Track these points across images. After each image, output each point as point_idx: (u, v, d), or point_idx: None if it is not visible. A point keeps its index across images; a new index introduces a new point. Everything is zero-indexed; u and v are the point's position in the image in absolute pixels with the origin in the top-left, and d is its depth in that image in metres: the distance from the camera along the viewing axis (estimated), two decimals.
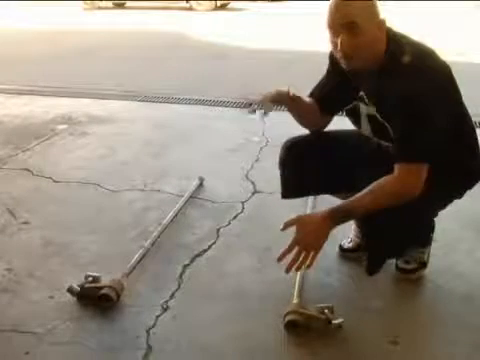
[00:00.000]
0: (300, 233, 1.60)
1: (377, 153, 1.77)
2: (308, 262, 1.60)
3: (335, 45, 1.58)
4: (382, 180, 1.60)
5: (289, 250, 1.60)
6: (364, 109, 1.72)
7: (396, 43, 1.59)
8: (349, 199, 1.63)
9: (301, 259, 1.59)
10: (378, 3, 1.57)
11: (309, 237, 1.61)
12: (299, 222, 1.63)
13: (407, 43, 1.60)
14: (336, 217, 1.62)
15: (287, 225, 1.63)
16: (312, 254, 1.59)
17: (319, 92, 1.87)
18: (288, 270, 1.61)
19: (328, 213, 1.62)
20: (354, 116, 1.80)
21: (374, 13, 1.56)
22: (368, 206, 1.59)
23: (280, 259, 1.61)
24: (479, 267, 2.06)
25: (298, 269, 1.62)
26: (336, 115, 1.92)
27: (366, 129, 1.77)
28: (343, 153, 1.84)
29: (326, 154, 1.84)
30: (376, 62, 1.59)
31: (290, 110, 1.86)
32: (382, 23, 1.57)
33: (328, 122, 1.93)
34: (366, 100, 1.69)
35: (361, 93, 1.70)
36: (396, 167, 1.59)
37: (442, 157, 1.59)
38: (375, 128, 1.72)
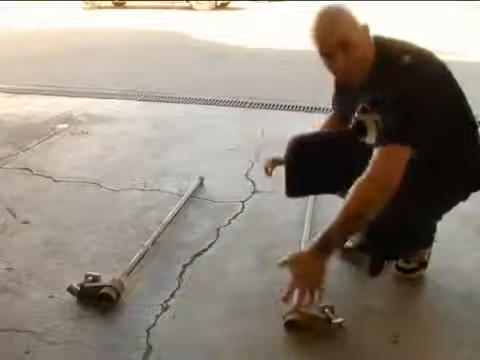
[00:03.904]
0: (294, 275, 1.55)
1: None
2: (314, 300, 1.55)
3: (333, 68, 1.62)
4: (358, 179, 1.53)
5: (289, 291, 1.55)
6: (370, 118, 1.71)
7: (383, 46, 1.62)
8: (332, 221, 1.54)
9: (306, 299, 1.54)
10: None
11: (304, 278, 1.54)
12: (290, 264, 1.56)
13: (397, 44, 1.63)
14: (325, 247, 1.54)
15: (283, 265, 1.58)
16: (316, 291, 1.54)
17: (335, 105, 2.00)
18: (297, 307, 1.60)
19: (314, 248, 1.54)
20: (359, 130, 1.79)
21: (356, 22, 1.59)
22: (356, 213, 1.50)
23: (285, 300, 1.55)
24: (478, 267, 2.06)
25: (308, 303, 1.56)
26: None
27: (371, 140, 1.75)
28: (347, 152, 1.84)
29: (330, 153, 1.84)
30: (370, 69, 1.61)
31: None
32: (365, 29, 1.61)
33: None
34: (369, 109, 1.69)
35: (362, 105, 1.70)
36: (374, 152, 1.54)
37: (442, 156, 1.59)
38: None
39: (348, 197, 1.53)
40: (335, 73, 1.68)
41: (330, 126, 2.06)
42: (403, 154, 1.50)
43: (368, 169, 1.52)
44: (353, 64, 1.58)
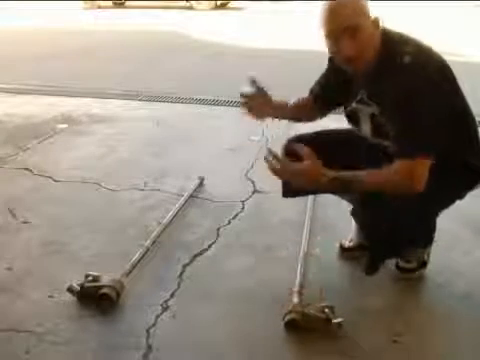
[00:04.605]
0: (299, 169, 1.60)
1: (377, 152, 1.77)
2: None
3: (337, 52, 1.61)
4: (385, 171, 1.59)
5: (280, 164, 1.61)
6: (365, 110, 1.72)
7: (390, 41, 1.62)
8: (353, 173, 1.60)
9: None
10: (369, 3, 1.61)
11: (298, 178, 1.62)
12: (308, 166, 1.60)
13: (402, 39, 1.63)
14: (334, 184, 1.62)
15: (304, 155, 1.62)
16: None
17: (318, 89, 1.93)
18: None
19: (331, 177, 1.60)
20: (353, 119, 1.80)
21: (368, 12, 1.60)
22: (367, 188, 1.60)
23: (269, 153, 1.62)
24: (478, 266, 2.06)
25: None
26: (333, 112, 1.95)
27: (366, 131, 1.77)
28: (343, 152, 1.84)
29: (326, 153, 1.83)
30: (374, 60, 1.61)
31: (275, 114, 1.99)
32: (376, 21, 1.61)
33: (322, 116, 2.00)
34: (367, 100, 1.69)
35: (360, 95, 1.70)
36: (398, 163, 1.58)
37: (442, 155, 1.59)
38: (375, 128, 1.72)
39: (379, 174, 1.59)
40: (339, 58, 1.65)
41: (303, 107, 1.99)
42: (427, 163, 1.57)
43: (400, 170, 1.57)
44: (358, 51, 1.57)
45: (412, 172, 1.56)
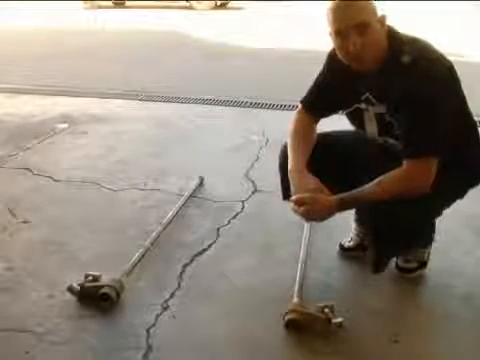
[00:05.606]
0: (308, 207, 1.65)
1: (378, 154, 1.77)
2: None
3: (345, 49, 1.59)
4: (391, 174, 1.61)
5: (296, 205, 1.67)
6: (371, 109, 1.71)
7: (397, 39, 1.62)
8: (358, 190, 1.65)
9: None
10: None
11: (314, 214, 1.68)
12: (312, 199, 1.65)
13: (407, 39, 1.63)
14: (344, 207, 1.69)
15: (300, 201, 1.66)
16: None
17: (312, 96, 1.88)
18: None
19: (338, 202, 1.65)
20: (357, 119, 1.79)
21: (376, 9, 1.59)
22: (376, 198, 1.62)
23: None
24: (478, 266, 2.06)
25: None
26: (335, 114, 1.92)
27: (372, 130, 1.76)
28: (343, 154, 1.84)
29: (326, 156, 1.83)
30: (380, 59, 1.61)
31: None
32: (383, 19, 1.61)
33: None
34: (373, 100, 1.69)
35: (366, 95, 1.69)
36: (404, 162, 1.60)
37: (446, 154, 1.60)
38: (382, 127, 1.72)
39: (386, 179, 1.62)
40: (346, 56, 1.62)
41: (310, 135, 1.86)
42: (435, 162, 1.59)
43: (402, 177, 1.61)
44: (367, 49, 1.56)
45: (420, 171, 1.59)
